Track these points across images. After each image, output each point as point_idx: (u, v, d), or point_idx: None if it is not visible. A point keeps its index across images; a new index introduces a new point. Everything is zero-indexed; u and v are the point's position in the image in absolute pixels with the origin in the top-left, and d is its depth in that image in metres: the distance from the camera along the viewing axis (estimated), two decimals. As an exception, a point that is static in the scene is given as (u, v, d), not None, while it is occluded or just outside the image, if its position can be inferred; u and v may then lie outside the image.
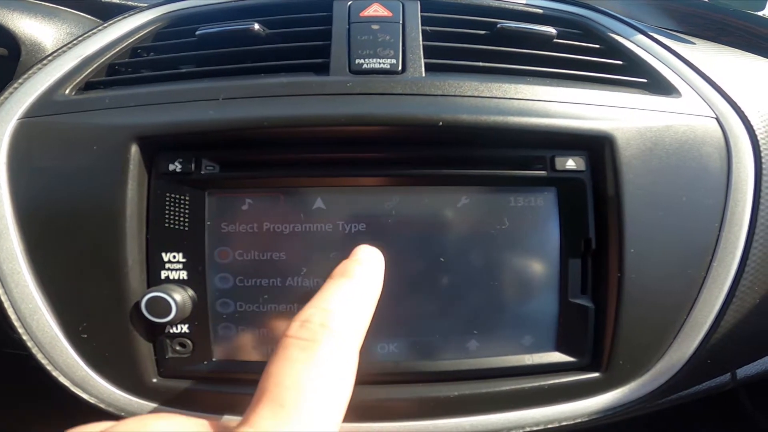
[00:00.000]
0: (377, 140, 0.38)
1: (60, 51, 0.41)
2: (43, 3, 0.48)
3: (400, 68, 0.39)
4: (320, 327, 0.27)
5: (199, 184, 0.37)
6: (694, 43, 0.47)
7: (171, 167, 0.36)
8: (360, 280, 0.31)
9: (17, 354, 0.48)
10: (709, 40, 0.52)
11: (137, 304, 0.35)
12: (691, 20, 0.57)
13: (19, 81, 0.40)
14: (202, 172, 0.37)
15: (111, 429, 0.25)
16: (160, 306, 0.35)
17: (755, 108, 0.41)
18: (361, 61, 0.39)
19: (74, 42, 0.42)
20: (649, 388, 0.39)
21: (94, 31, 0.43)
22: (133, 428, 0.25)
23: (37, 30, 0.46)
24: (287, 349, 0.26)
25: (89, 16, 0.52)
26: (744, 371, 0.43)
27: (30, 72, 0.40)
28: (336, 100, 0.37)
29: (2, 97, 0.39)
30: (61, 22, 0.48)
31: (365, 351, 0.38)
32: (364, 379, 0.37)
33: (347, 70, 0.39)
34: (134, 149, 0.36)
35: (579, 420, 0.39)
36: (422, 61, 0.40)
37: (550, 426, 0.39)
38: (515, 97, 0.38)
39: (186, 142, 0.37)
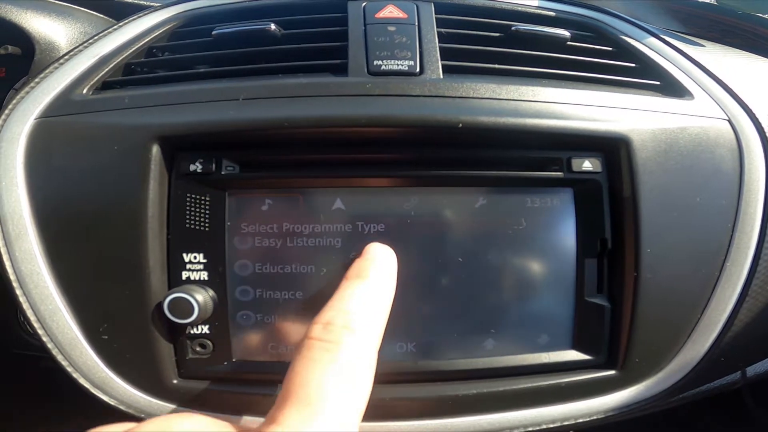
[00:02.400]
0: (396, 141, 0.38)
1: (76, 50, 0.41)
2: (57, 2, 0.48)
3: (417, 70, 0.39)
4: (342, 329, 0.28)
5: (220, 185, 0.37)
6: (703, 45, 0.48)
7: (192, 167, 0.36)
8: (375, 279, 0.32)
9: (28, 355, 0.48)
10: (714, 41, 0.53)
11: (159, 305, 0.35)
12: (695, 21, 0.58)
13: (36, 80, 0.39)
14: (223, 173, 0.37)
15: (135, 429, 0.25)
16: (182, 307, 0.35)
17: (765, 110, 0.41)
18: (379, 62, 0.39)
19: (90, 41, 0.42)
20: (663, 385, 0.39)
21: (110, 30, 0.43)
22: (156, 428, 0.25)
23: (51, 29, 0.45)
24: (311, 351, 0.27)
25: (103, 16, 0.51)
26: (753, 369, 0.44)
27: (46, 71, 0.40)
28: (356, 101, 0.37)
29: (19, 97, 0.39)
30: (75, 21, 0.47)
31: (384, 350, 0.38)
32: (382, 378, 0.38)
33: (365, 71, 0.39)
34: (155, 149, 0.36)
35: (594, 417, 0.40)
36: (439, 62, 0.40)
37: (566, 423, 0.39)
38: (532, 99, 0.38)
39: (207, 142, 0.37)
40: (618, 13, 0.47)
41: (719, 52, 0.48)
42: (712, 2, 0.57)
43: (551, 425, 0.39)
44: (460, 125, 0.36)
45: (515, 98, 0.38)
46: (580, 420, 0.39)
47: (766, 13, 0.54)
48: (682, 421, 0.69)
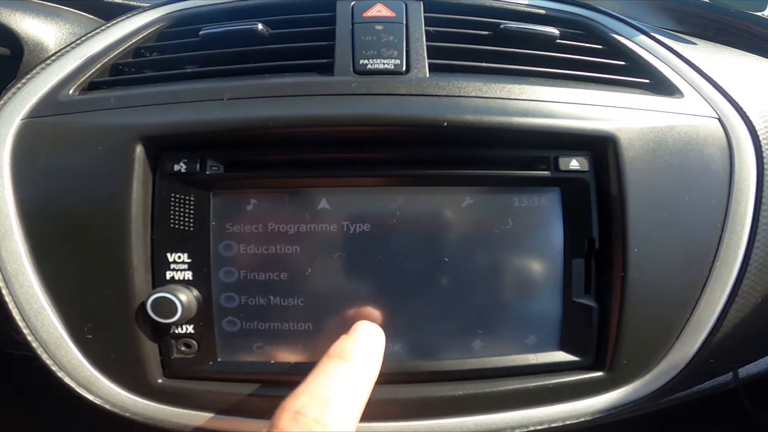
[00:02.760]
0: (382, 140, 0.38)
1: (63, 51, 0.41)
2: (46, 3, 0.48)
3: (404, 69, 0.39)
4: (314, 422, 0.25)
5: (204, 185, 0.37)
6: (696, 44, 0.47)
7: (176, 167, 0.36)
8: (358, 362, 0.29)
9: (21, 354, 0.48)
10: (708, 39, 0.53)
11: (143, 305, 0.35)
12: (690, 20, 0.57)
13: (23, 81, 0.39)
14: (207, 173, 0.37)
15: None
16: (165, 307, 0.35)
17: (756, 108, 0.41)
18: (366, 61, 0.39)
19: (77, 42, 0.42)
20: (652, 387, 0.39)
21: (97, 30, 0.43)
22: None
23: (39, 30, 0.45)
24: None
25: (92, 16, 0.51)
26: (746, 370, 0.43)
27: (33, 72, 0.40)
28: (341, 101, 0.37)
29: (5, 98, 0.39)
30: (64, 22, 0.47)
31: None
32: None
33: (351, 70, 0.39)
34: (139, 149, 0.36)
35: (582, 419, 0.39)
36: (426, 61, 0.40)
37: (553, 425, 0.39)
38: (519, 97, 0.38)
39: (191, 142, 0.37)
40: (609, 11, 0.47)
41: (711, 51, 0.47)
42: (706, 1, 0.56)
43: (538, 427, 0.39)
44: (446, 124, 0.36)
45: (502, 97, 0.38)
46: (568, 422, 0.39)
47: (760, 11, 0.54)
48: (679, 421, 0.68)
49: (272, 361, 0.38)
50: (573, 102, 0.39)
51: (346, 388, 0.27)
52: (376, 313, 0.38)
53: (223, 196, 0.37)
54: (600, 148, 0.38)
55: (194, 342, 0.38)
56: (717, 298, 0.38)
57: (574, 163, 0.38)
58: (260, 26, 0.41)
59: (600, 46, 0.44)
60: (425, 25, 0.42)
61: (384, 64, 0.39)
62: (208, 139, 0.37)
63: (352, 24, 0.41)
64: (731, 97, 0.41)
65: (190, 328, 0.37)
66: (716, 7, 0.55)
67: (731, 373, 0.43)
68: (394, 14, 0.42)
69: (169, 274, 0.37)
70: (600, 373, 0.39)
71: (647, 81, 0.42)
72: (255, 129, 0.36)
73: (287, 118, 0.36)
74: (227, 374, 0.38)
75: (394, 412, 0.38)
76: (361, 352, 0.30)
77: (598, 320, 0.38)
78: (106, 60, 0.42)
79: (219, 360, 0.38)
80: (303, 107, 0.37)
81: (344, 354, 0.29)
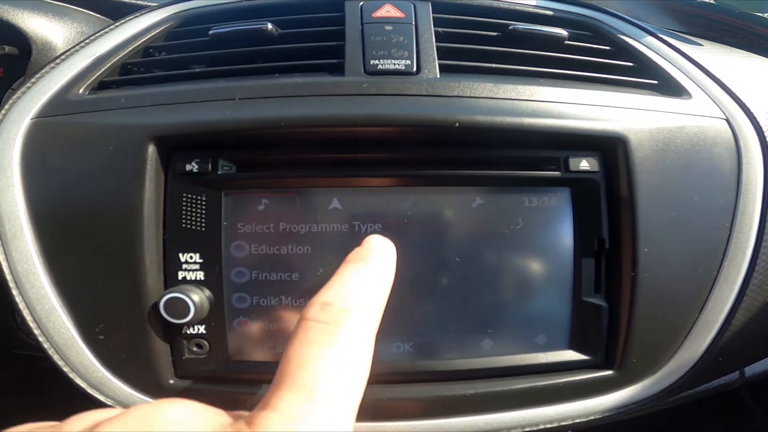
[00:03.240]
0: (393, 141, 0.38)
1: (72, 50, 0.41)
2: (54, 2, 0.48)
3: (414, 69, 0.39)
4: (340, 311, 0.27)
5: (216, 185, 0.37)
6: (702, 45, 0.47)
7: (188, 167, 0.36)
8: (374, 264, 0.31)
9: (29, 355, 0.48)
10: (713, 41, 0.53)
11: (155, 305, 0.35)
12: (695, 21, 0.58)
13: (32, 80, 0.39)
14: (219, 173, 0.37)
15: (117, 416, 0.23)
16: (178, 307, 0.35)
17: (763, 109, 0.41)
18: (376, 61, 0.39)
19: (86, 41, 0.42)
20: (661, 385, 0.39)
21: (106, 30, 0.43)
22: (143, 416, 0.23)
23: (47, 29, 0.45)
24: (308, 332, 0.26)
25: (99, 16, 0.51)
26: (752, 369, 0.44)
27: (43, 71, 0.40)
28: (352, 101, 0.37)
29: (15, 97, 0.39)
30: (72, 21, 0.47)
31: (381, 350, 0.38)
32: (379, 378, 0.38)
33: (362, 70, 0.39)
34: (151, 149, 0.36)
35: (592, 417, 0.39)
36: (436, 62, 0.40)
37: (563, 424, 0.39)
38: (529, 98, 0.38)
39: (203, 142, 0.37)
40: (616, 13, 0.47)
41: (718, 52, 0.48)
42: (711, 2, 0.56)
43: (548, 425, 0.39)
44: (457, 124, 0.36)
45: (512, 97, 0.38)
46: (578, 420, 0.39)
47: (765, 12, 0.54)
48: (682, 420, 0.69)
49: (284, 360, 0.38)
50: (582, 103, 0.39)
51: (366, 284, 0.29)
52: (386, 312, 0.38)
53: (234, 196, 0.37)
54: (610, 148, 0.38)
55: (206, 342, 0.38)
56: (725, 297, 0.38)
57: (584, 164, 0.38)
58: (269, 26, 0.42)
59: (608, 47, 0.45)
60: (434, 26, 0.42)
61: (394, 64, 0.39)
62: (219, 139, 0.37)
63: (362, 24, 0.41)
64: (738, 98, 0.41)
65: (201, 329, 0.37)
66: (721, 8, 0.55)
67: (738, 372, 0.43)
68: (403, 15, 0.42)
69: (181, 275, 0.37)
70: (609, 372, 0.39)
71: (655, 82, 0.42)
72: (267, 129, 0.36)
73: (299, 118, 0.36)
74: (239, 375, 0.38)
75: (403, 411, 0.39)
76: (376, 256, 0.31)
77: (608, 319, 0.38)
78: (116, 59, 0.42)
79: (231, 360, 0.38)
80: (315, 107, 0.37)
81: (361, 258, 0.31)
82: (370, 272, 0.30)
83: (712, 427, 0.66)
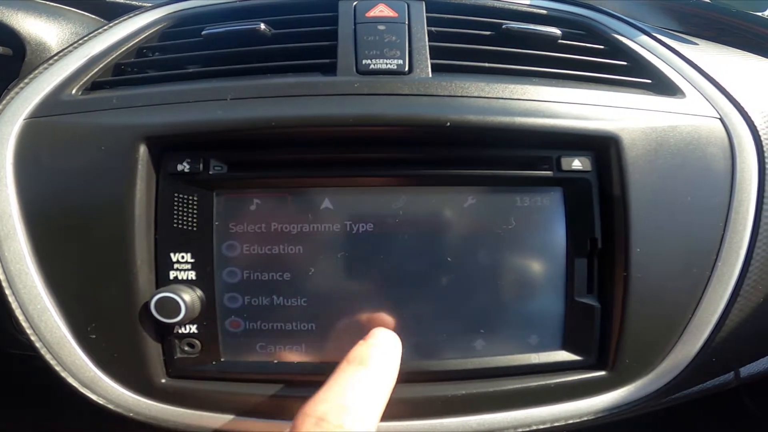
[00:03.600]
0: (385, 140, 0.38)
1: (66, 50, 0.41)
2: (48, 3, 0.48)
3: (406, 69, 0.39)
4: (336, 427, 0.26)
5: (208, 185, 0.37)
6: (697, 44, 0.47)
7: (179, 167, 0.37)
8: (375, 367, 0.30)
9: (24, 355, 0.48)
10: (710, 40, 0.53)
11: (146, 305, 0.36)
12: (692, 20, 0.57)
13: (25, 81, 0.39)
14: (210, 173, 0.37)
15: None
16: (169, 306, 0.35)
17: (758, 108, 0.41)
18: (368, 61, 0.39)
19: (80, 41, 0.42)
20: (654, 386, 0.39)
21: (100, 30, 0.43)
22: None
23: (41, 30, 0.45)
24: None
25: (94, 16, 0.51)
26: (747, 370, 0.44)
27: (36, 72, 0.40)
28: (344, 101, 0.37)
29: (8, 97, 0.39)
30: (66, 22, 0.47)
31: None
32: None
33: (354, 70, 0.39)
34: (142, 149, 0.36)
35: (585, 418, 0.39)
36: (429, 61, 0.40)
37: (556, 425, 0.39)
38: (521, 97, 0.38)
39: (194, 142, 0.37)
40: (611, 12, 0.47)
41: (713, 51, 0.47)
42: (707, 1, 0.56)
43: (541, 426, 0.39)
44: (448, 124, 0.36)
45: (504, 97, 0.38)
46: (571, 421, 0.39)
47: (761, 11, 0.54)
48: (681, 420, 0.68)
49: (275, 361, 0.38)
50: (575, 102, 0.39)
51: (366, 394, 0.28)
52: (378, 312, 0.38)
53: (226, 196, 0.37)
54: (602, 148, 0.38)
55: (197, 342, 0.38)
56: (719, 297, 0.38)
57: (577, 163, 0.38)
58: (262, 26, 0.42)
59: (602, 47, 0.44)
60: (427, 25, 0.42)
61: (387, 64, 0.39)
62: (211, 139, 0.37)
63: (355, 24, 0.41)
64: (733, 97, 0.41)
65: (193, 328, 0.37)
66: (717, 7, 0.55)
67: (733, 372, 0.43)
68: (396, 14, 0.42)
69: (172, 274, 0.37)
70: (602, 373, 0.39)
71: (649, 81, 0.42)
72: (258, 129, 0.36)
73: (290, 118, 0.36)
74: (230, 374, 0.38)
75: (396, 411, 0.38)
76: (379, 358, 0.30)
77: (601, 320, 0.38)
78: (109, 60, 0.42)
79: (222, 360, 0.38)
80: (306, 107, 0.37)
81: (363, 360, 0.30)
82: (369, 378, 0.29)
83: (711, 427, 0.66)
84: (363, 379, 0.29)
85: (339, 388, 0.28)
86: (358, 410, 0.27)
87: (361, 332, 0.37)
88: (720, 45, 0.51)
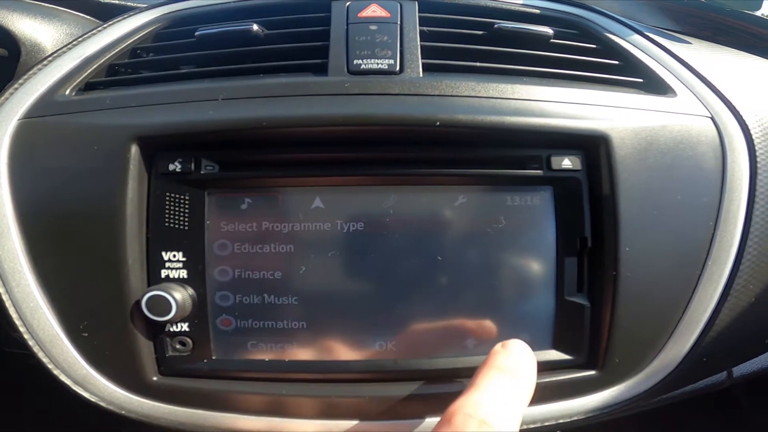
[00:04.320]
0: (375, 140, 0.38)
1: (60, 51, 0.42)
2: (43, 4, 0.49)
3: (398, 68, 0.39)
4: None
5: (199, 184, 0.37)
6: (690, 43, 0.47)
7: (171, 167, 0.37)
8: (526, 380, 0.31)
9: (18, 353, 0.48)
10: (705, 39, 0.53)
11: (138, 303, 0.36)
12: (687, 20, 0.57)
13: (20, 81, 0.40)
14: (202, 172, 0.37)
15: None
16: (160, 305, 0.35)
17: (750, 107, 0.41)
18: (359, 61, 0.39)
19: (74, 42, 0.42)
20: (645, 386, 0.39)
21: (94, 31, 0.43)
22: None
23: (36, 30, 0.46)
24: None
25: (88, 17, 0.52)
26: (740, 369, 0.43)
27: (30, 72, 0.40)
28: (334, 101, 0.37)
29: (3, 98, 0.39)
30: (61, 23, 0.48)
31: (363, 348, 0.38)
32: (361, 376, 0.38)
33: (345, 70, 0.39)
34: (134, 149, 0.36)
35: (575, 417, 0.39)
36: (420, 61, 0.40)
37: (546, 423, 0.39)
38: (512, 97, 0.38)
39: (186, 142, 0.37)
40: (604, 11, 0.47)
41: (706, 50, 0.47)
42: (702, 0, 0.56)
43: (531, 426, 0.39)
44: (438, 123, 0.36)
45: (495, 96, 0.38)
46: (561, 421, 0.39)
47: (756, 11, 0.54)
48: (678, 421, 0.68)
49: (267, 359, 0.38)
50: (566, 101, 0.39)
51: (517, 404, 0.30)
52: (370, 311, 0.38)
53: (217, 196, 0.38)
54: (592, 147, 0.38)
55: (189, 340, 0.38)
56: (709, 297, 0.38)
57: (567, 162, 0.38)
58: (255, 27, 0.42)
59: (594, 46, 0.44)
60: (420, 25, 0.42)
61: (378, 64, 0.39)
62: (202, 139, 0.37)
63: (347, 24, 0.42)
64: (724, 96, 0.41)
65: (185, 326, 0.38)
66: (712, 7, 0.55)
67: (725, 372, 0.43)
68: (389, 14, 0.42)
69: (164, 273, 0.37)
70: (592, 372, 0.39)
71: (640, 80, 0.42)
72: (249, 129, 0.36)
73: (281, 118, 0.36)
74: (222, 372, 0.38)
75: (386, 410, 0.39)
76: (527, 370, 0.32)
77: (591, 319, 0.38)
78: (103, 60, 0.42)
79: (214, 358, 0.38)
80: (297, 107, 0.37)
81: (515, 372, 0.31)
82: (520, 389, 0.31)
83: (706, 426, 0.66)
84: (515, 389, 0.31)
85: (495, 395, 0.30)
86: (515, 419, 0.29)
87: (351, 331, 0.38)
88: (714, 44, 0.50)
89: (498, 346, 0.33)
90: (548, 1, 0.48)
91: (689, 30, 0.55)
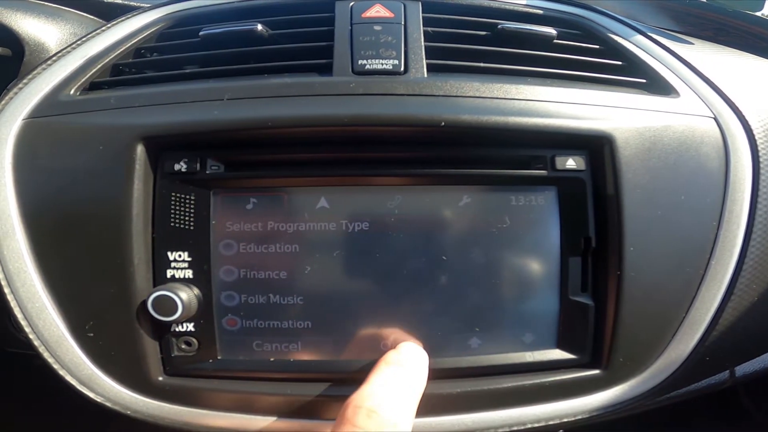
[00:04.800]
0: (380, 140, 0.38)
1: (64, 51, 0.42)
2: (47, 3, 0.49)
3: (402, 69, 0.39)
4: (386, 421, 0.29)
5: (205, 184, 0.37)
6: (693, 44, 0.47)
7: (176, 167, 0.37)
8: (413, 369, 0.34)
9: (23, 353, 0.48)
10: (707, 40, 0.53)
11: (143, 303, 0.36)
12: (689, 20, 0.57)
13: (24, 81, 0.40)
14: (207, 172, 0.37)
15: None
16: (166, 305, 0.35)
17: (753, 108, 0.41)
18: (364, 61, 0.39)
19: (78, 42, 0.42)
20: (648, 385, 0.39)
21: (98, 31, 0.43)
22: None
23: (40, 30, 0.46)
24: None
25: (92, 17, 0.52)
26: (742, 369, 0.44)
27: (35, 72, 0.40)
28: (339, 101, 0.37)
29: (7, 98, 0.39)
30: (65, 23, 0.48)
31: (367, 347, 0.38)
32: (366, 376, 0.38)
33: (350, 70, 0.39)
34: (140, 149, 0.36)
35: (579, 417, 0.39)
36: (424, 61, 0.40)
37: (550, 423, 0.39)
38: (516, 97, 0.38)
39: (191, 142, 0.37)
40: (606, 11, 0.47)
41: (708, 50, 0.48)
42: (704, 1, 0.56)
43: (536, 425, 0.39)
44: (443, 124, 0.37)
45: (499, 96, 0.38)
46: (565, 420, 0.39)
47: (758, 11, 0.54)
48: (680, 421, 0.68)
49: (272, 359, 0.38)
50: (570, 102, 0.39)
51: (407, 391, 0.32)
52: (375, 311, 0.38)
53: (223, 195, 0.38)
54: (596, 147, 0.38)
55: (194, 340, 0.38)
56: (712, 296, 0.38)
57: (571, 163, 0.38)
58: (260, 27, 0.42)
59: (597, 46, 0.45)
60: (423, 26, 0.42)
61: (382, 64, 0.39)
62: (208, 139, 0.37)
63: (351, 24, 0.42)
64: (727, 97, 0.41)
65: (190, 326, 0.38)
66: (714, 7, 0.55)
67: (727, 371, 0.43)
68: (392, 15, 0.42)
69: (169, 273, 0.37)
70: (596, 371, 0.39)
71: (644, 81, 0.42)
72: (254, 129, 0.37)
73: (286, 118, 0.37)
74: (227, 372, 0.38)
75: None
76: (413, 361, 0.34)
77: (595, 318, 0.39)
78: (107, 60, 0.42)
79: (219, 358, 0.38)
80: (302, 107, 0.37)
81: (401, 362, 0.34)
82: (409, 377, 0.33)
83: (708, 425, 0.66)
84: (403, 377, 0.32)
85: (384, 384, 0.31)
86: (403, 405, 0.31)
87: (356, 330, 0.38)
88: (716, 45, 0.51)
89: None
90: (550, 1, 0.48)
91: (690, 30, 0.55)
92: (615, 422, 0.42)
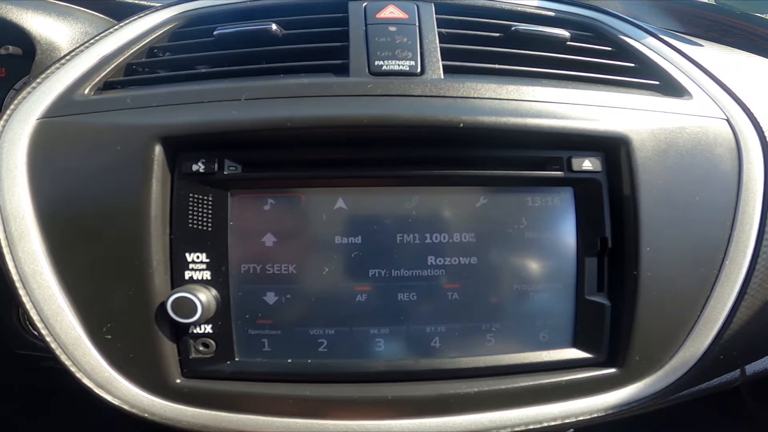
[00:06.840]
0: (398, 141, 0.38)
1: (77, 50, 0.41)
2: (58, 2, 0.48)
3: (419, 70, 0.39)
4: None
5: (222, 185, 0.37)
6: (702, 45, 0.48)
7: (194, 167, 0.37)
8: None
9: (31, 355, 0.48)
10: (713, 41, 0.53)
11: (162, 305, 0.36)
12: (695, 21, 0.58)
13: (38, 80, 0.39)
14: (225, 173, 0.37)
15: None
16: (185, 306, 0.35)
17: (764, 109, 0.42)
18: (381, 62, 0.39)
19: (91, 41, 0.42)
20: (663, 383, 0.40)
21: (111, 30, 0.43)
22: None
23: (51, 29, 0.45)
24: None
25: (104, 16, 0.51)
26: (752, 367, 0.44)
27: (48, 71, 0.40)
28: (358, 101, 0.37)
29: (20, 97, 0.39)
30: (76, 22, 0.47)
31: (386, 349, 0.38)
32: (384, 376, 0.38)
33: (367, 71, 0.39)
34: (158, 149, 0.36)
35: (595, 415, 0.40)
36: (440, 63, 0.40)
37: (567, 421, 0.39)
38: (532, 99, 0.39)
39: (209, 142, 0.37)
40: (617, 13, 0.47)
41: (718, 52, 0.48)
42: (710, 2, 0.57)
43: (552, 423, 0.39)
44: (462, 125, 0.37)
45: (516, 98, 0.38)
46: (581, 418, 0.39)
47: (765, 12, 0.54)
48: (682, 418, 0.69)
49: (289, 360, 0.38)
50: (585, 103, 0.39)
51: None
52: (393, 312, 0.38)
53: (240, 196, 0.38)
54: (613, 148, 0.38)
55: (212, 342, 0.38)
56: (727, 295, 0.39)
57: (587, 164, 0.38)
58: (274, 26, 0.42)
59: (609, 48, 0.45)
60: (437, 27, 0.42)
61: (399, 65, 0.39)
62: (225, 140, 0.37)
63: (366, 25, 0.42)
64: (739, 99, 0.42)
65: (208, 328, 0.37)
66: (721, 9, 0.56)
67: (739, 370, 0.44)
68: (406, 16, 0.42)
69: (188, 274, 0.37)
70: (612, 370, 0.39)
71: (657, 82, 0.43)
72: (273, 129, 0.36)
73: (305, 118, 0.36)
74: (244, 374, 0.38)
75: (408, 409, 0.39)
76: None
77: (611, 318, 0.39)
78: (121, 60, 0.42)
79: (237, 359, 0.38)
80: (320, 107, 0.37)
81: None
82: None
83: (712, 425, 0.67)
84: None
85: None
86: None
87: (374, 331, 0.38)
88: (724, 46, 0.51)
89: None
90: (562, 3, 0.48)
91: (696, 31, 0.56)
92: (623, 422, 0.42)
